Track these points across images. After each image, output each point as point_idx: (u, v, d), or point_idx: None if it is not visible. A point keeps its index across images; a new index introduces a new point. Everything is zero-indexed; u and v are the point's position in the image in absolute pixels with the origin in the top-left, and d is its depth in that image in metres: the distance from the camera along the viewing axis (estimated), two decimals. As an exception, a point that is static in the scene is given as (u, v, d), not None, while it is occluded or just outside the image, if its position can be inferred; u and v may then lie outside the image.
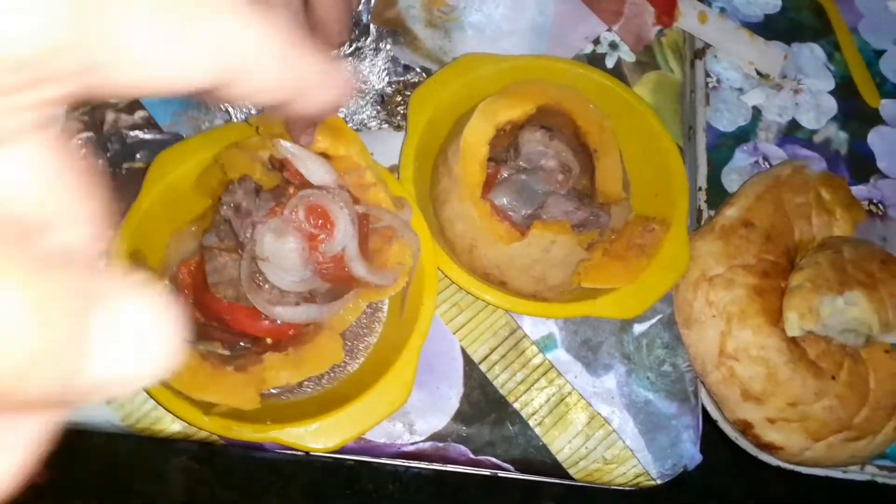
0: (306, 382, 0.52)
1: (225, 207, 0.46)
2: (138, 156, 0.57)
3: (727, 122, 0.69)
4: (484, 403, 0.54)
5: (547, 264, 0.51)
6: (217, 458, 1.19)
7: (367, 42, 0.62)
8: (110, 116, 0.59)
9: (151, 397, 0.47)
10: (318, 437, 0.48)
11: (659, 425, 0.55)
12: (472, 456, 0.53)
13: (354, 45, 0.62)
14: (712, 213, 0.63)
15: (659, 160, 0.58)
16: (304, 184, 0.47)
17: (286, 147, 0.48)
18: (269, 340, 0.49)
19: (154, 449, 1.21)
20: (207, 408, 0.47)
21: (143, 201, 0.51)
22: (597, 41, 0.67)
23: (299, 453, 0.62)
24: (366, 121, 0.61)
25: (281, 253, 0.45)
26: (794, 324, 0.52)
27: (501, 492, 1.06)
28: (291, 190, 0.47)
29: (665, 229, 0.54)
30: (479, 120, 0.54)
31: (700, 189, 0.64)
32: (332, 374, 0.53)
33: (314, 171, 0.48)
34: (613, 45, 0.67)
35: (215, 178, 0.51)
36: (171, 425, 0.53)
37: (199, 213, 0.54)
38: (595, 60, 0.66)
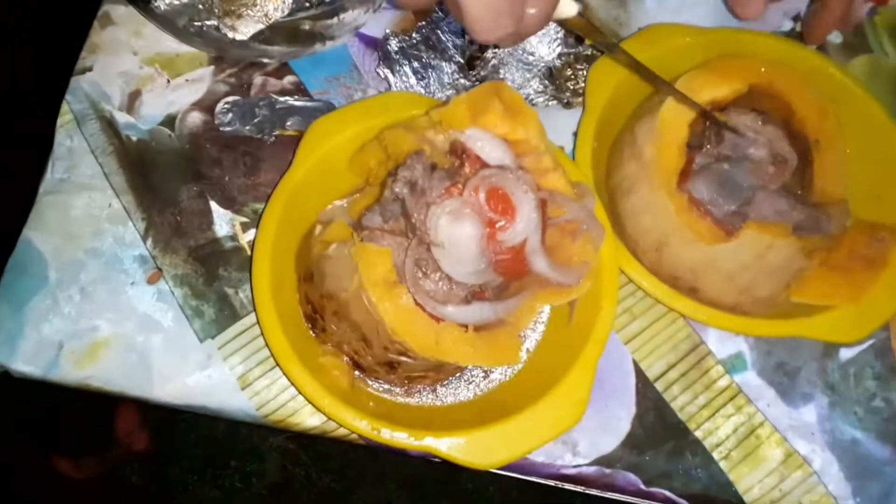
0: (464, 384, 0.46)
1: (400, 183, 0.40)
2: (289, 122, 0.52)
3: (952, 116, 0.58)
4: (660, 428, 0.47)
5: (759, 272, 0.43)
6: (315, 442, 1.16)
7: (538, 8, 0.55)
8: (258, 80, 0.54)
9: (299, 390, 0.42)
10: (475, 451, 0.42)
11: (869, 471, 0.46)
12: (642, 487, 0.46)
13: (522, 12, 0.55)
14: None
15: (882, 156, 0.49)
16: (483, 167, 0.41)
17: (466, 131, 0.42)
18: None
19: (253, 426, 1.19)
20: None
21: (296, 171, 0.46)
22: (797, 18, 0.58)
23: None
24: (532, 96, 0.54)
25: (457, 239, 0.39)
26: None
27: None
28: (467, 169, 0.41)
29: (895, 238, 0.45)
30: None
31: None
32: (489, 379, 0.47)
33: (491, 152, 0.42)
34: (817, 23, 0.58)
35: (374, 157, 0.46)
36: (308, 419, 0.48)
37: (349, 189, 0.49)
38: (795, 40, 0.57)
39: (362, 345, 0.43)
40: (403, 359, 0.42)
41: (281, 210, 0.45)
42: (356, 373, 0.46)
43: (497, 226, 0.40)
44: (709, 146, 0.46)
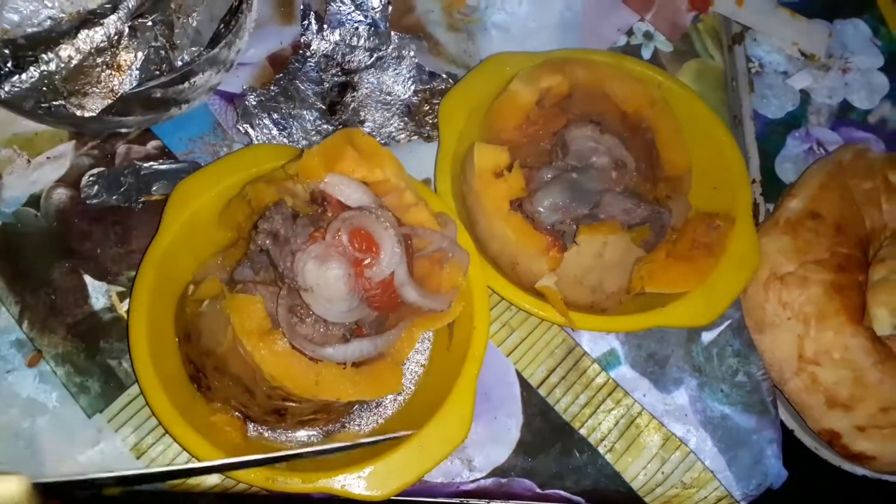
0: (359, 420, 0.48)
1: (262, 236, 0.42)
2: (155, 187, 0.52)
3: (775, 108, 0.64)
4: (547, 431, 0.50)
5: (602, 270, 0.46)
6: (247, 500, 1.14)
7: (389, 50, 0.58)
8: (121, 149, 0.54)
9: (190, 453, 0.43)
10: (371, 483, 0.43)
11: (739, 441, 0.50)
12: (538, 490, 0.49)
13: (376, 55, 0.58)
14: (770, 206, 0.59)
15: (713, 150, 0.54)
16: (345, 210, 0.43)
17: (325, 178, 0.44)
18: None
19: (178, 496, 1.16)
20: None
21: (164, 235, 0.47)
22: (630, 32, 0.63)
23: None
24: (394, 133, 0.57)
25: (326, 281, 0.41)
26: (884, 321, 0.48)
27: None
28: (330, 214, 0.43)
29: (730, 224, 0.50)
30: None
31: (754, 181, 0.59)
32: (382, 412, 0.48)
33: (352, 194, 0.44)
34: (648, 35, 0.63)
35: (241, 212, 0.47)
36: (208, 478, 0.48)
37: (225, 242, 0.50)
38: (630, 53, 0.62)
39: (247, 396, 0.43)
40: (289, 404, 0.43)
41: (152, 275, 0.46)
42: (250, 426, 0.47)
43: (364, 263, 0.42)
44: (556, 159, 0.50)
